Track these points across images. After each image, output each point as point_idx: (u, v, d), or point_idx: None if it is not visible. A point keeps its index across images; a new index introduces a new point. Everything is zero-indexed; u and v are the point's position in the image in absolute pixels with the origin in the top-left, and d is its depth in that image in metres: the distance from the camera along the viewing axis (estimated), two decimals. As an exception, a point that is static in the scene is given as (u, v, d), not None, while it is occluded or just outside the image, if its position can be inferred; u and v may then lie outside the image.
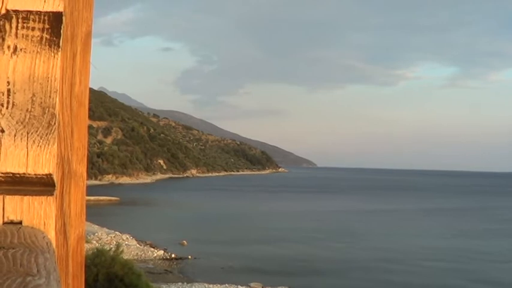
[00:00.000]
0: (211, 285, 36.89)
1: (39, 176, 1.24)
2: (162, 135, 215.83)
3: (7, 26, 1.28)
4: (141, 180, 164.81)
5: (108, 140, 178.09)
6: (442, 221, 79.12)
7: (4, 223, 1.24)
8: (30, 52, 1.28)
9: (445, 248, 54.56)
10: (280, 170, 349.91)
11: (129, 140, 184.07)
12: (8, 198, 1.24)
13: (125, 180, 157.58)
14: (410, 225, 72.05)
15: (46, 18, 1.29)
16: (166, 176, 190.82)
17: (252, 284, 37.86)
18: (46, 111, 1.26)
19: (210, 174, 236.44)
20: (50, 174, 1.24)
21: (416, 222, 76.01)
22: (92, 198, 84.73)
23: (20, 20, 1.28)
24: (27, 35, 1.28)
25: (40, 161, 1.23)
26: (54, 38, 1.30)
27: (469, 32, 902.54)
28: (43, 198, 1.26)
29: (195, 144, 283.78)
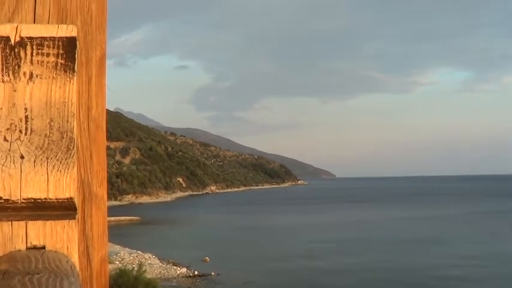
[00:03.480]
0: (235, 301, 36.83)
1: (60, 201, 1.24)
2: (180, 153, 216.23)
3: (22, 53, 1.29)
4: (161, 199, 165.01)
5: (127, 160, 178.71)
6: (484, 225, 78.50)
7: (27, 248, 1.24)
8: (46, 78, 1.29)
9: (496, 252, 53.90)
10: (299, 182, 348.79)
11: (147, 159, 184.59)
12: (30, 223, 1.25)
13: (144, 199, 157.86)
14: (452, 231, 71.35)
15: (60, 43, 1.31)
16: (186, 193, 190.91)
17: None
18: (64, 136, 1.27)
19: (229, 190, 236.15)
20: (71, 198, 1.25)
21: (462, 228, 75.53)
22: (112, 218, 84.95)
23: (34, 47, 1.30)
24: (42, 61, 1.30)
25: (61, 185, 1.24)
26: (69, 63, 1.31)
27: (482, 36, 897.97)
28: (65, 222, 1.27)
29: (213, 160, 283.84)
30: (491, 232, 69.73)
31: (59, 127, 1.27)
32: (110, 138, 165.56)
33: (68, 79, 1.31)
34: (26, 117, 1.27)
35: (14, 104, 1.27)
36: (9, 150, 1.24)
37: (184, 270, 47.40)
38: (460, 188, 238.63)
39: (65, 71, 1.31)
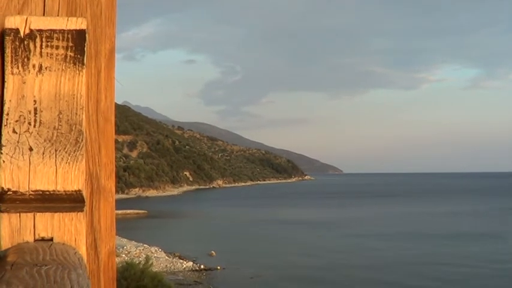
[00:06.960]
0: (241, 296, 36.84)
1: (68, 193, 1.25)
2: (187, 147, 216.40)
3: (31, 46, 1.30)
4: (167, 193, 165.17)
5: (134, 154, 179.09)
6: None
7: (35, 240, 1.25)
8: (55, 70, 1.30)
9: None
10: (306, 177, 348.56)
11: (154, 153, 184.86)
12: (38, 215, 1.25)
13: (151, 193, 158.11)
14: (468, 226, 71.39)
15: (70, 36, 1.31)
16: (193, 187, 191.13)
17: (282, 293, 37.68)
18: (73, 128, 1.28)
19: (236, 185, 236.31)
20: (79, 191, 1.25)
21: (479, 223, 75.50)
22: (119, 212, 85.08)
23: (44, 39, 1.30)
24: (51, 54, 1.30)
25: (69, 177, 1.25)
26: (79, 56, 1.32)
27: (490, 32, 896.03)
28: (73, 214, 1.27)
29: (220, 155, 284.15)
30: None
31: (68, 119, 1.28)
32: (117, 131, 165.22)
33: (77, 72, 1.32)
34: (35, 109, 1.27)
35: (23, 96, 1.28)
36: (18, 142, 1.24)
37: (190, 264, 47.47)
38: (464, 185, 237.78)
39: (74, 64, 1.31)
